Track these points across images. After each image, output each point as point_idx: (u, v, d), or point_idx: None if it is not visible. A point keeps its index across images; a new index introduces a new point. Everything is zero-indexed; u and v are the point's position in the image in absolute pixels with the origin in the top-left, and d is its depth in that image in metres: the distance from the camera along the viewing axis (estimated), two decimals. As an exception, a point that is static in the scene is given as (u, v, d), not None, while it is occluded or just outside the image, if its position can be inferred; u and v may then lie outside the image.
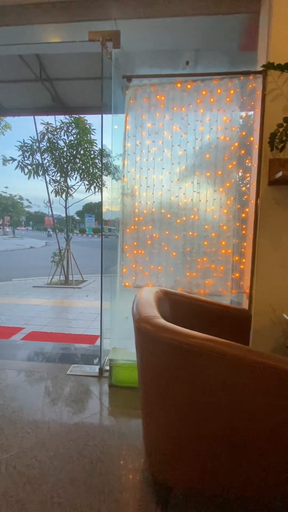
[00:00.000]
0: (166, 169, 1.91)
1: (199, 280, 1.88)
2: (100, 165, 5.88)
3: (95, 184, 5.96)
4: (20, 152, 5.66)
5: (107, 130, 2.01)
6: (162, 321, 0.98)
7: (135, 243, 1.97)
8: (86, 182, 5.95)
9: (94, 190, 6.02)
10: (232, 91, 1.82)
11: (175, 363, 0.93)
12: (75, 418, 1.61)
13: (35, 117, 5.42)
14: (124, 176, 1.95)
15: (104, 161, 5.89)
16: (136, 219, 1.96)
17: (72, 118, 5.65)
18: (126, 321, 2.01)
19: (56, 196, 6.09)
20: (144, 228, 1.95)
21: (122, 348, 1.98)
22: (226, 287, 1.87)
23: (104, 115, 2.00)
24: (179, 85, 1.90)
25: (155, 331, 0.95)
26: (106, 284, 2.07)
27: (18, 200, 34.93)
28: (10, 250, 16.13)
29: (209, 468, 0.97)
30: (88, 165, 5.80)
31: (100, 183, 5.88)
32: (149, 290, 1.37)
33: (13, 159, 5.71)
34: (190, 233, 1.90)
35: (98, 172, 5.92)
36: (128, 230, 1.97)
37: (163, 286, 1.91)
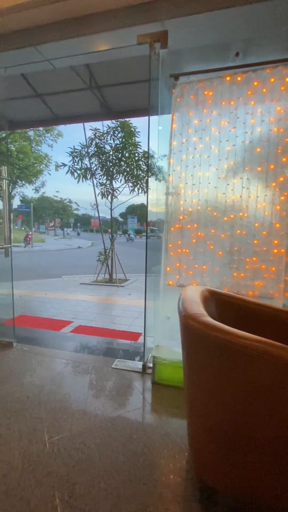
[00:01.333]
0: (213, 165, 1.85)
1: (247, 281, 1.79)
2: (144, 166, 5.97)
3: (138, 186, 6.08)
4: (70, 158, 6.06)
5: (152, 132, 2.03)
6: (210, 320, 0.95)
7: (179, 242, 1.95)
8: (130, 184, 6.10)
9: (138, 192, 6.15)
10: (287, 79, 1.69)
11: (224, 363, 0.90)
12: (120, 410, 1.66)
13: (84, 123, 5.74)
14: (169, 175, 1.95)
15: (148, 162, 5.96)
16: (181, 217, 1.94)
17: (118, 123, 5.85)
18: (168, 320, 2.00)
19: (102, 198, 6.37)
20: (188, 226, 1.92)
21: (166, 346, 1.98)
22: (278, 289, 1.73)
23: (149, 117, 2.03)
24: (228, 78, 1.83)
25: (203, 329, 0.92)
26: (149, 284, 2.09)
27: (68, 204, 37.44)
28: (60, 249, 17.40)
29: (253, 474, 0.91)
30: (132, 167, 5.94)
31: (146, 183, 5.97)
32: (194, 289, 1.34)
33: (64, 165, 6.14)
34: (238, 231, 1.81)
35: (142, 174, 6.02)
36: (172, 229, 1.96)
37: (208, 286, 1.86)
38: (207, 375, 0.97)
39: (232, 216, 1.83)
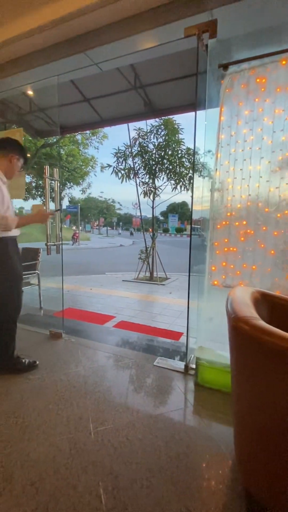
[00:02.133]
0: (266, 157, 1.71)
1: (303, 283, 1.62)
2: (187, 163, 5.85)
3: (181, 183, 5.98)
4: (115, 159, 6.23)
5: (197, 127, 1.96)
6: (263, 323, 0.88)
7: (226, 240, 1.86)
8: (173, 182, 6.04)
9: (180, 189, 6.05)
10: None
11: (278, 370, 0.82)
12: (162, 408, 1.65)
13: (129, 124, 5.85)
14: (216, 169, 1.86)
15: (192, 160, 5.83)
16: (228, 214, 1.84)
17: (162, 121, 5.82)
18: (211, 322, 1.92)
19: (144, 197, 6.43)
20: (236, 223, 1.81)
21: (210, 348, 1.91)
22: None
23: (192, 112, 1.96)
24: (284, 62, 1.67)
25: (255, 333, 0.85)
26: (192, 283, 2.03)
27: (111, 203, 38.77)
28: (103, 247, 18.13)
29: None
30: (175, 164, 5.87)
31: (189, 180, 5.85)
32: (244, 290, 1.26)
33: (109, 166, 6.34)
34: (294, 228, 1.65)
35: (185, 171, 5.91)
36: (218, 226, 1.87)
37: (257, 288, 1.73)
38: (258, 382, 0.90)
39: (286, 212, 1.67)
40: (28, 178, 10.07)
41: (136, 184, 6.37)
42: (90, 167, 10.54)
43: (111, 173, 6.24)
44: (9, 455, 1.28)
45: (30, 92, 3.28)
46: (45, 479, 1.16)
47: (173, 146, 5.84)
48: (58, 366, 2.08)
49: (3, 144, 1.99)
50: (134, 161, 6.19)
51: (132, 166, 6.22)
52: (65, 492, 1.10)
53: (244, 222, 1.78)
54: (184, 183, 5.96)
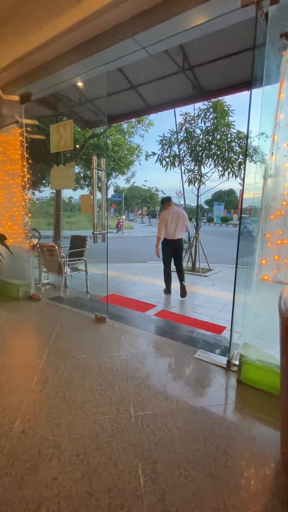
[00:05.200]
0: None
1: None
2: (237, 148, 5.46)
3: (229, 169, 5.63)
4: (160, 146, 6.12)
5: (245, 110, 1.78)
6: None
7: (280, 232, 1.69)
8: (220, 169, 5.72)
9: (228, 176, 5.70)
10: None
11: None
12: (201, 401, 1.63)
13: (175, 109, 5.65)
14: (272, 154, 1.68)
15: (242, 144, 5.42)
16: (284, 203, 1.66)
17: (210, 103, 5.48)
18: (257, 318, 1.80)
19: (188, 185, 6.22)
20: (294, 213, 1.63)
21: (255, 346, 1.80)
22: None
23: (245, 92, 1.78)
24: None
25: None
26: (239, 276, 1.91)
27: (155, 192, 38.57)
28: (146, 236, 18.31)
29: None
30: (223, 150, 5.53)
31: (243, 165, 5.47)
32: (300, 287, 1.13)
33: (154, 154, 6.26)
34: None
35: (234, 157, 5.54)
36: (272, 217, 1.71)
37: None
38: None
39: None
40: (77, 169, 10.54)
41: (181, 172, 6.19)
42: (135, 156, 10.54)
43: (156, 161, 6.17)
44: (58, 426, 1.41)
45: (80, 84, 3.37)
46: (89, 453, 1.25)
47: (222, 130, 5.48)
48: (103, 349, 2.19)
49: None
50: (180, 148, 6.00)
51: (177, 153, 6.04)
52: (107, 468, 1.17)
53: (303, 212, 1.60)
54: (232, 169, 5.59)
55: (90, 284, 4.34)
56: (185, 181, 6.20)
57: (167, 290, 4.53)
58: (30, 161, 3.50)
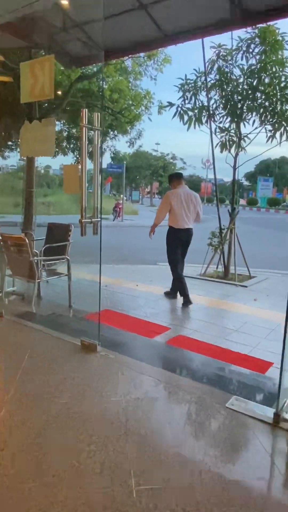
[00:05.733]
0: None
1: None
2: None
3: (282, 129, 5.58)
4: (180, 94, 6.09)
5: None
6: None
7: None
8: (269, 128, 5.66)
9: (280, 139, 5.65)
10: None
11: None
12: (235, 473, 1.62)
13: (204, 39, 5.60)
14: None
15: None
16: None
17: (256, 31, 5.43)
18: None
19: (221, 151, 6.19)
20: None
21: None
22: None
23: None
24: None
25: None
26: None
27: (171, 161, 38.45)
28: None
29: None
30: (274, 99, 5.47)
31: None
32: None
33: (171, 104, 6.23)
34: None
35: (290, 109, 5.49)
36: None
37: None
38: None
39: None
40: (58, 126, 10.60)
41: (211, 132, 6.16)
42: (143, 108, 10.49)
43: (174, 116, 6.15)
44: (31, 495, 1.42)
45: (64, 2, 3.38)
46: None
47: (273, 70, 5.42)
48: (91, 391, 2.21)
49: None
50: (210, 97, 5.96)
51: (205, 104, 6.01)
52: None
53: None
54: (287, 128, 5.54)
55: (75, 294, 4.38)
56: (216, 145, 6.17)
57: (174, 294, 4.85)
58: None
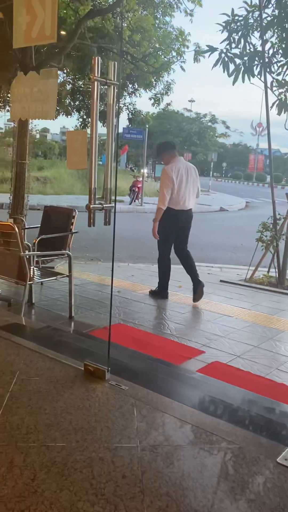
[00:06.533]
0: None
1: None
2: None
3: None
4: (225, 35, 6.03)
5: None
6: None
7: None
8: None
9: None
10: None
11: None
12: None
13: None
14: None
15: None
16: None
17: None
18: None
19: (279, 113, 6.10)
20: None
21: None
22: None
23: None
24: None
25: None
26: None
27: (209, 124, 38.13)
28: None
29: None
30: None
31: None
32: None
33: (212, 49, 6.18)
34: None
35: None
36: None
37: None
38: None
39: None
40: (60, 77, 10.65)
41: (265, 86, 6.09)
42: (174, 53, 10.41)
43: (215, 65, 6.11)
44: None
45: None
46: None
47: None
48: (97, 434, 2.21)
49: None
50: (265, 39, 5.88)
51: (258, 48, 5.94)
52: None
53: None
54: None
55: (78, 302, 4.42)
56: (273, 104, 6.10)
57: (163, 292, 5.31)
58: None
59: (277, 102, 6.06)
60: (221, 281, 6.50)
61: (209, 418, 2.49)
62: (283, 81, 5.96)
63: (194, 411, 2.55)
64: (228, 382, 3.21)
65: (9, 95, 9.31)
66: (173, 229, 5.06)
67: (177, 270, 7.16)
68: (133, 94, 13.11)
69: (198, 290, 5.04)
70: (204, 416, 2.50)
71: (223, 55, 6.04)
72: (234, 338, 4.21)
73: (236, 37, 5.99)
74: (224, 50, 6.05)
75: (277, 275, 6.35)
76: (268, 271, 6.52)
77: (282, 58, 5.91)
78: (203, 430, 2.32)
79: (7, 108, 11.69)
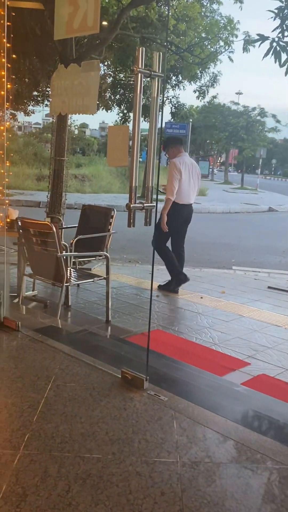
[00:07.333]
0: None
1: None
2: None
3: None
4: (278, 22, 5.93)
5: None
6: None
7: None
8: None
9: None
10: None
11: None
12: None
13: None
14: None
15: None
16: None
17: None
18: None
19: None
20: None
21: None
22: None
23: None
24: None
25: None
26: None
27: (258, 118, 37.59)
28: (233, 212, 17.94)
29: None
30: None
31: None
32: None
33: (263, 38, 6.10)
34: None
35: None
36: None
37: None
38: None
39: None
40: (101, 70, 10.76)
41: None
42: (222, 43, 10.35)
43: (266, 55, 6.02)
44: None
45: None
46: None
47: None
48: (134, 446, 2.22)
49: None
50: None
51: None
52: None
53: None
54: None
55: (115, 305, 4.44)
56: None
57: (180, 276, 5.63)
58: (13, 55, 3.66)
59: None
60: (269, 287, 6.40)
61: (254, 435, 2.44)
62: None
63: (238, 427, 2.51)
64: (275, 397, 3.15)
65: (48, 88, 9.50)
66: (175, 223, 5.38)
67: (220, 274, 7.17)
68: (177, 87, 13.13)
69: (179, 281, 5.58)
70: (249, 432, 2.46)
71: (274, 44, 5.94)
72: (283, 350, 4.12)
73: (290, 24, 5.89)
74: (276, 39, 5.95)
75: None
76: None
77: None
78: (248, 447, 2.29)
79: (46, 102, 11.91)
